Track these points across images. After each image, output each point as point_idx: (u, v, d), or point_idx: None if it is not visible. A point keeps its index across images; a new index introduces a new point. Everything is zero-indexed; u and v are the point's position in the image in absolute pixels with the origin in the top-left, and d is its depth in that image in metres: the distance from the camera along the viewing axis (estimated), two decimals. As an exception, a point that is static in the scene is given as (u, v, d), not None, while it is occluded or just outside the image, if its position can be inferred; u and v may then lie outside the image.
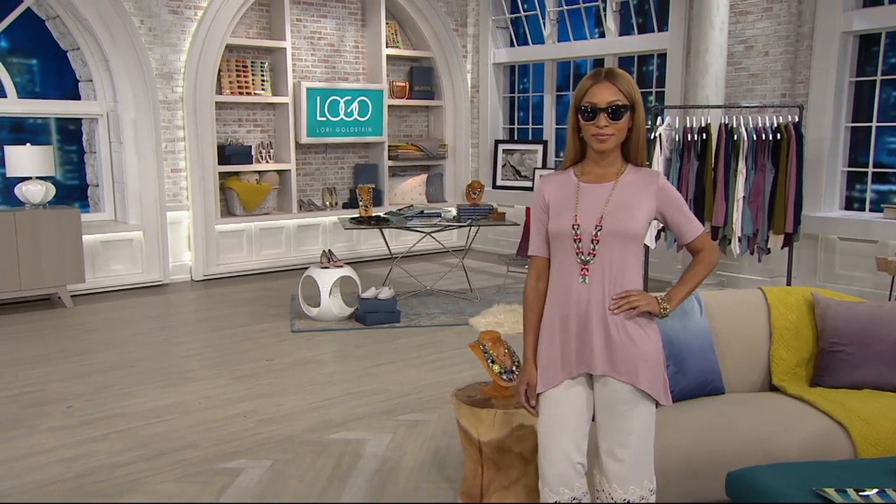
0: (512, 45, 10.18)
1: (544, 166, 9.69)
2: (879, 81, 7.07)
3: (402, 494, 3.46)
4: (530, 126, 10.17)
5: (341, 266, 6.60)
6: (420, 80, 10.02)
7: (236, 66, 8.65)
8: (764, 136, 6.14)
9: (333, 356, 5.67)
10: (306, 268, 8.33)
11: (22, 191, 6.91)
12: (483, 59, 10.22)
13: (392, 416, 4.42)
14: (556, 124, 9.86)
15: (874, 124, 7.10)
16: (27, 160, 6.84)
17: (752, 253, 6.34)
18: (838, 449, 2.99)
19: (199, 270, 8.32)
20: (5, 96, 7.44)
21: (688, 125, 6.34)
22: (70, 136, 9.28)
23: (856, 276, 6.93)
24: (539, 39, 9.81)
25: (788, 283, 6.46)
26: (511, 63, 10.22)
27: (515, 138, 10.32)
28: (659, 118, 6.48)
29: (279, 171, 8.98)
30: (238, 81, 8.66)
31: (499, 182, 10.08)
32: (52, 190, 7.08)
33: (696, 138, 6.25)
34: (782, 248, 6.28)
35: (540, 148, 9.79)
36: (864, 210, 7.24)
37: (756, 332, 3.59)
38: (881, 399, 3.26)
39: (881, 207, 6.95)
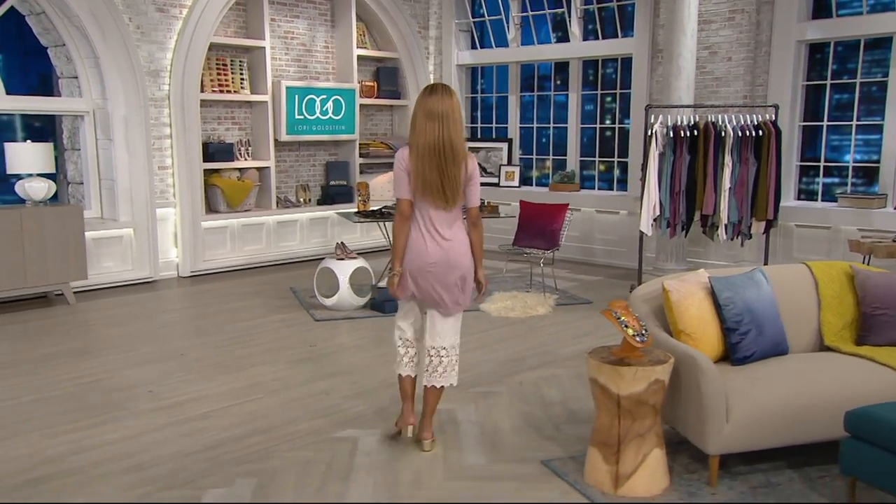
0: (474, 47, 10.63)
1: (510, 163, 10.19)
2: (829, 85, 7.92)
3: (521, 451, 3.85)
4: (494, 125, 10.65)
5: (355, 258, 6.87)
6: (386, 80, 10.32)
7: (217, 64, 8.74)
8: (747, 132, 6.81)
9: (371, 341, 5.95)
10: (287, 263, 8.66)
11: (24, 188, 6.84)
12: (446, 61, 10.62)
13: (461, 390, 4.72)
14: (521, 123, 10.38)
15: (825, 123, 7.95)
16: (28, 157, 6.78)
17: (734, 238, 7.00)
18: (903, 392, 3.58)
19: (187, 267, 8.38)
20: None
21: (679, 123, 6.94)
22: (36, 133, 9.13)
23: (811, 259, 7.70)
24: (503, 42, 10.30)
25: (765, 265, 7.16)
26: (474, 65, 10.67)
27: (478, 137, 10.78)
28: (652, 116, 7.07)
29: (258, 169, 9.11)
30: (219, 80, 8.75)
31: (465, 178, 10.48)
32: (54, 187, 7.04)
33: (686, 135, 6.86)
34: (763, 233, 6.97)
35: (505, 146, 10.28)
36: (814, 200, 8.09)
37: (807, 301, 4.17)
38: (921, 352, 3.88)
39: (834, 197, 7.79)
